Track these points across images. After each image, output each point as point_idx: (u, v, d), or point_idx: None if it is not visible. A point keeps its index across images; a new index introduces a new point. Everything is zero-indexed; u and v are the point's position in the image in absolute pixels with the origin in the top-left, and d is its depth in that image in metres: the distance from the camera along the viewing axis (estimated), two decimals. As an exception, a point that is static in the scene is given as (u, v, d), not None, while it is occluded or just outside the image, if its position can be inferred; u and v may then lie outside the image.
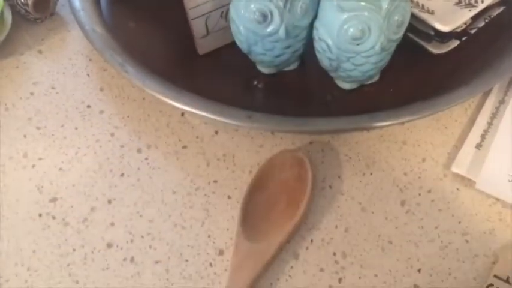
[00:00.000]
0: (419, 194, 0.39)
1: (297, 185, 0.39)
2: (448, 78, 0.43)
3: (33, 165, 0.41)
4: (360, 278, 0.36)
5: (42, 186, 0.40)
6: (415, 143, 0.42)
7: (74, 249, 0.37)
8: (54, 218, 0.38)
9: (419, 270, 0.36)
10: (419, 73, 0.44)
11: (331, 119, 0.40)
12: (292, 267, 0.36)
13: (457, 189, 0.39)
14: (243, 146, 0.42)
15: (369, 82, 0.42)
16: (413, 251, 0.37)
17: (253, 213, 0.38)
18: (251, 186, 0.39)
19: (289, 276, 0.36)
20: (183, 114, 0.43)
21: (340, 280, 0.35)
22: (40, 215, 0.38)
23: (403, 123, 0.41)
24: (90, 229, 0.38)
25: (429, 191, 0.39)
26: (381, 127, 0.41)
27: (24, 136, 0.42)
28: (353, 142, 0.42)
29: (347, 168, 0.40)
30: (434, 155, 0.41)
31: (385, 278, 0.35)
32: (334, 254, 0.37)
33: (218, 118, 0.39)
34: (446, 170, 0.40)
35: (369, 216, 0.38)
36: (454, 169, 0.40)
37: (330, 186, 0.40)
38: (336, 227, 0.38)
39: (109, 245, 0.37)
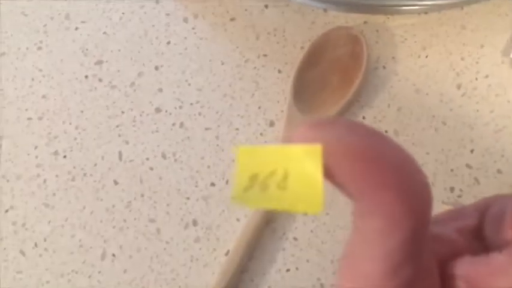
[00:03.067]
0: (476, 79, 0.38)
1: (351, 63, 0.37)
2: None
3: (76, 28, 0.39)
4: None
5: (86, 49, 0.38)
6: (474, 28, 0.40)
7: (122, 112, 0.36)
8: (100, 80, 0.37)
9: (471, 151, 0.35)
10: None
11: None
12: (343, 141, 0.36)
13: (515, 76, 0.38)
14: (293, 22, 0.40)
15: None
16: (467, 133, 0.36)
17: (306, 88, 0.37)
18: (303, 60, 0.37)
19: (340, 149, 0.35)
20: (231, -15, 0.41)
21: (391, 156, 0.35)
22: (86, 77, 0.37)
23: (462, 6, 0.39)
24: (138, 93, 0.37)
25: (486, 76, 0.38)
26: (439, 6, 0.39)
27: (66, -3, 0.40)
28: (409, 24, 0.40)
29: (402, 50, 0.39)
30: (494, 41, 0.39)
31: (437, 156, 0.35)
32: (386, 131, 0.36)
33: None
34: (504, 56, 0.38)
35: (423, 98, 0.37)
36: (514, 56, 0.38)
37: (384, 67, 0.38)
38: (389, 106, 0.37)
39: (157, 110, 0.36)
